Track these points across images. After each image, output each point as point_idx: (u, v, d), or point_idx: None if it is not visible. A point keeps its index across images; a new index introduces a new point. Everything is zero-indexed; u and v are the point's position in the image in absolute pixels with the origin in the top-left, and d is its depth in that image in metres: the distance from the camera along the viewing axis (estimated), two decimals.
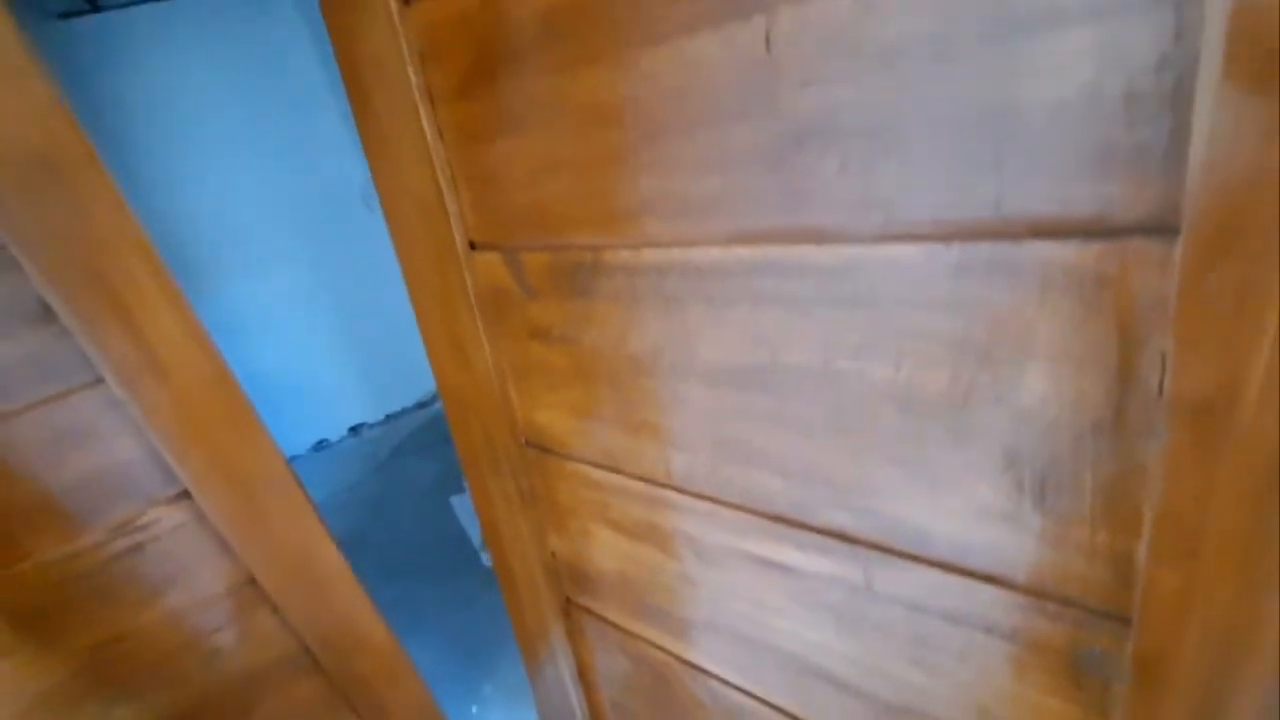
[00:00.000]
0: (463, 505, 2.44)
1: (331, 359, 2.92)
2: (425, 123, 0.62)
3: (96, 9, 2.41)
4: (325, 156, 2.65)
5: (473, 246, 0.65)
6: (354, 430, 3.09)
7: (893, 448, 0.44)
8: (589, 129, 0.50)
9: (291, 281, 2.74)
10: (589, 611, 0.79)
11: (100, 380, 0.89)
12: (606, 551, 0.71)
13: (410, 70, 0.60)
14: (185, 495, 1.01)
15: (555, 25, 0.48)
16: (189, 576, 1.06)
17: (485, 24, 0.53)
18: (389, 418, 3.12)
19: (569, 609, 0.82)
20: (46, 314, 0.84)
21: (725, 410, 0.52)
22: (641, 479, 0.62)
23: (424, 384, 3.17)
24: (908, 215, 0.38)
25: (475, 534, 2.27)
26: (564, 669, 0.89)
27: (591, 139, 0.51)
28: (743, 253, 0.46)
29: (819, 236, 0.42)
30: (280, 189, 2.62)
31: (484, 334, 0.68)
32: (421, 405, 3.15)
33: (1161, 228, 0.31)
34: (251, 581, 1.12)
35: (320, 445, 3.02)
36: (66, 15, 2.36)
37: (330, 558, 1.19)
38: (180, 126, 2.45)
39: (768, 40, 0.39)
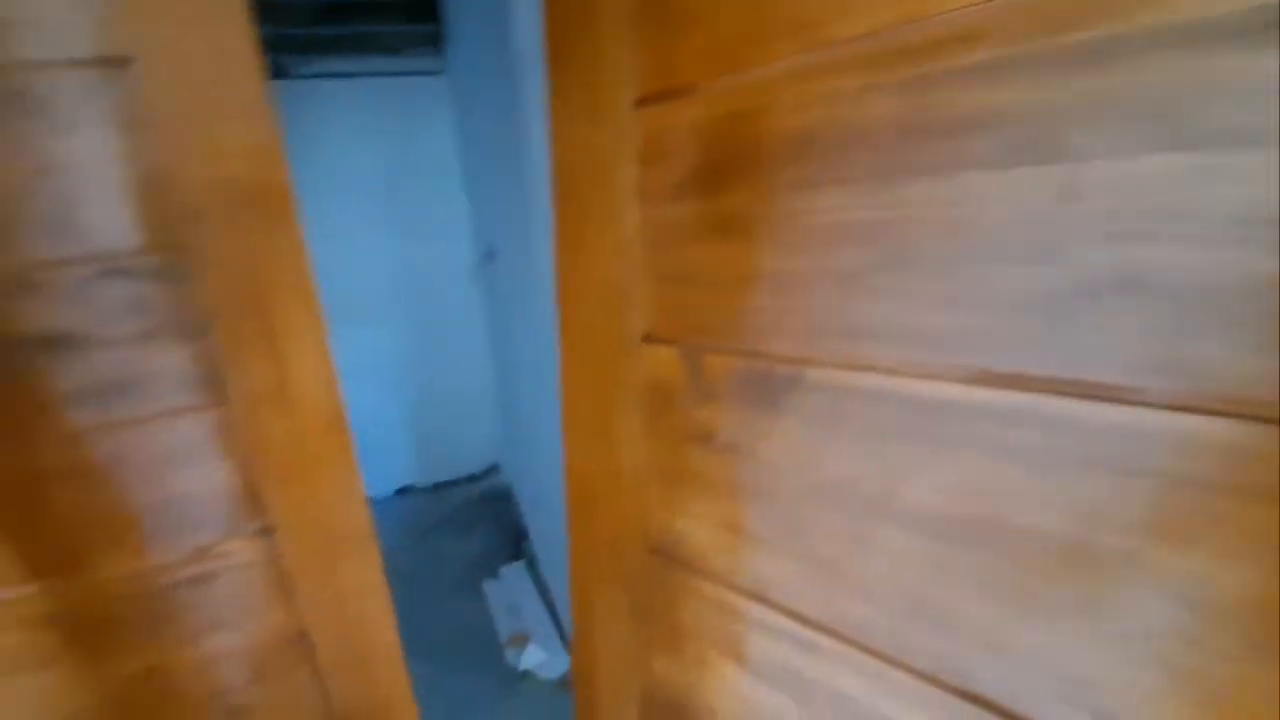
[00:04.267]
0: (495, 594, 2.33)
1: (396, 419, 2.95)
2: (629, 218, 0.63)
3: (284, 76, 2.72)
4: (443, 235, 2.82)
5: (647, 339, 0.64)
6: (401, 492, 3.06)
7: (1167, 654, 0.38)
8: (820, 246, 0.50)
9: (381, 338, 2.84)
10: None
11: (225, 402, 0.90)
12: (726, 690, 0.64)
13: (627, 168, 0.62)
14: (267, 532, 0.98)
15: (806, 143, 0.49)
16: (243, 619, 1.02)
17: (721, 133, 0.55)
18: (437, 486, 3.09)
19: None
20: (202, 331, 0.86)
21: (924, 563, 0.47)
22: (795, 618, 0.56)
23: (477, 459, 3.15)
24: (1221, 388, 0.34)
25: (504, 629, 2.14)
26: None
27: (820, 255, 0.50)
28: (985, 395, 0.43)
29: (1094, 393, 0.38)
30: (396, 254, 2.78)
31: (638, 429, 0.66)
32: (472, 479, 3.12)
33: None
34: (302, 637, 1.06)
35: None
36: None
37: (386, 633, 1.13)
38: (325, 186, 2.67)
39: (1066, 189, 0.38)
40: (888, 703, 0.51)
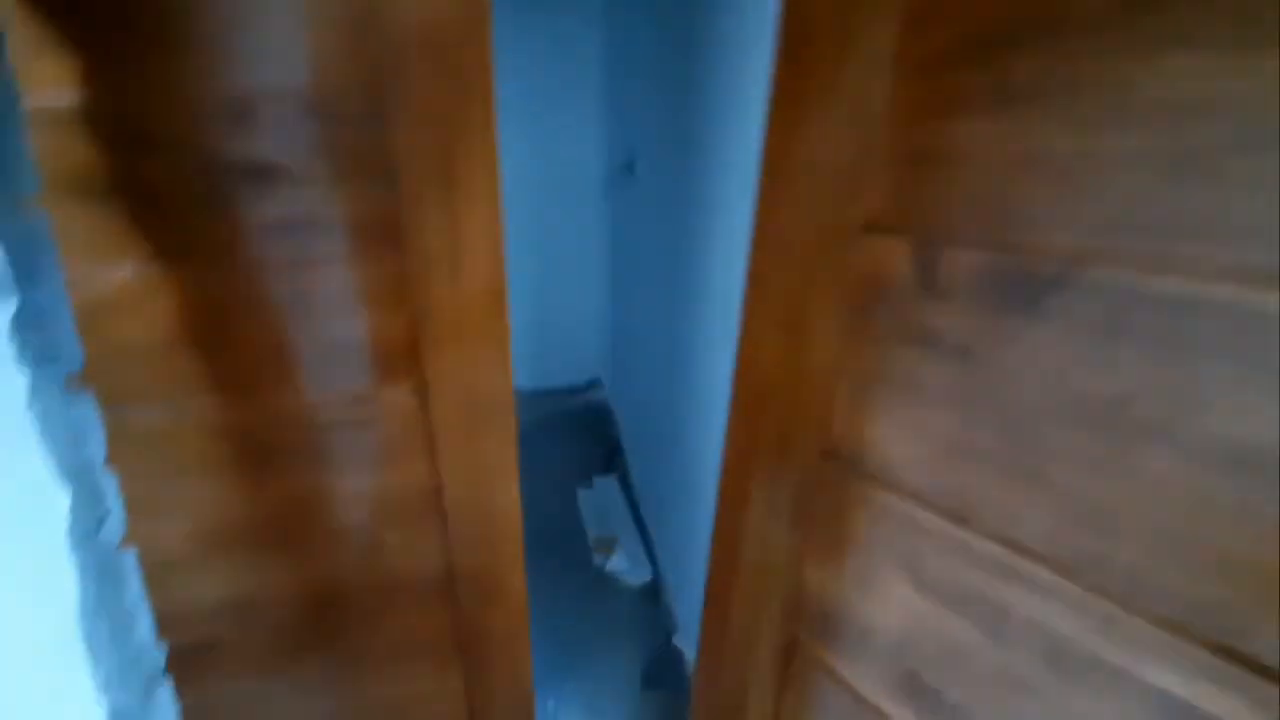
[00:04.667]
0: (587, 501, 2.41)
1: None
2: (877, 91, 0.56)
3: None
4: (576, 145, 2.79)
5: (870, 228, 0.59)
6: None
7: None
8: (1143, 121, 0.42)
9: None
10: (822, 664, 0.68)
11: (400, 256, 0.92)
12: (893, 607, 0.61)
13: (884, 29, 0.55)
14: (422, 389, 1.02)
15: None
16: (391, 465, 1.08)
17: None
18: (539, 393, 3.19)
19: (792, 653, 0.71)
20: (389, 181, 0.87)
21: (1210, 501, 0.41)
22: (1007, 544, 0.51)
23: (580, 372, 3.21)
24: None
25: (593, 532, 2.22)
26: (752, 713, 0.78)
27: (1140, 133, 0.42)
28: None
29: None
30: (526, 161, 2.78)
31: (839, 325, 0.61)
32: (573, 391, 3.19)
33: None
34: (437, 492, 1.11)
35: None
36: None
37: (511, 501, 1.17)
38: None
39: None
40: (1115, 649, 0.46)
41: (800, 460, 0.67)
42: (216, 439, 1.00)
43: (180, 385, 0.96)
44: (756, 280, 0.70)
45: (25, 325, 0.64)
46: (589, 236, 2.94)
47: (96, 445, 0.78)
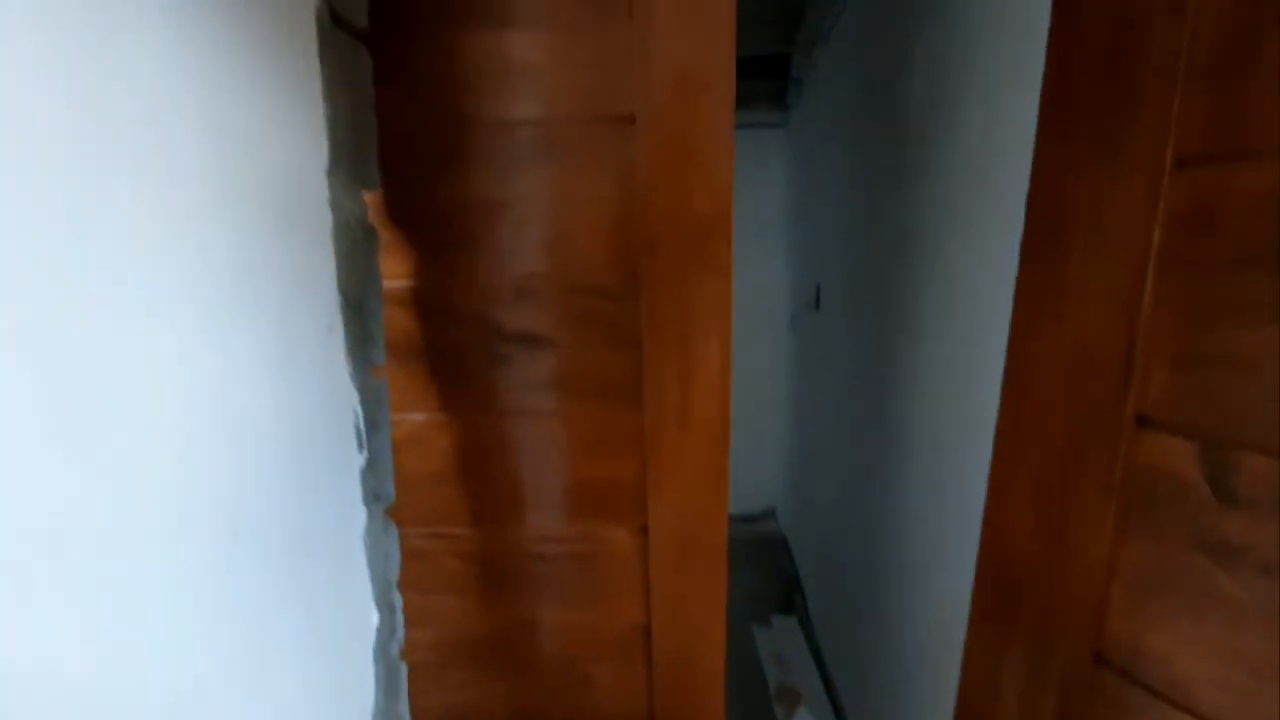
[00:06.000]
0: (764, 638, 2.31)
1: None
2: (1139, 289, 0.58)
3: None
4: (759, 280, 2.94)
5: (1144, 424, 0.58)
6: None
7: None
8: None
9: None
10: None
11: (637, 409, 1.04)
12: None
13: (1145, 233, 0.57)
14: (642, 530, 1.10)
15: None
16: (607, 600, 1.15)
17: None
18: None
19: None
20: (634, 344, 1.00)
21: None
22: None
23: (754, 501, 3.18)
24: None
25: (772, 679, 2.10)
26: None
27: None
28: None
29: None
30: None
31: (1109, 521, 0.59)
32: (747, 520, 3.15)
33: None
34: (645, 632, 1.16)
35: None
36: None
37: (718, 641, 1.18)
38: None
39: None
40: None
41: (1065, 661, 0.62)
42: (463, 561, 1.15)
43: (441, 513, 1.13)
44: (1003, 460, 0.70)
45: (367, 470, 0.81)
46: (771, 368, 3.01)
47: (395, 568, 0.94)
